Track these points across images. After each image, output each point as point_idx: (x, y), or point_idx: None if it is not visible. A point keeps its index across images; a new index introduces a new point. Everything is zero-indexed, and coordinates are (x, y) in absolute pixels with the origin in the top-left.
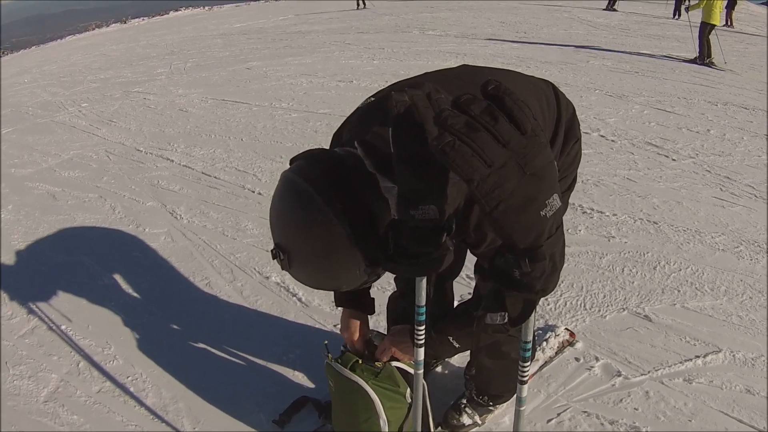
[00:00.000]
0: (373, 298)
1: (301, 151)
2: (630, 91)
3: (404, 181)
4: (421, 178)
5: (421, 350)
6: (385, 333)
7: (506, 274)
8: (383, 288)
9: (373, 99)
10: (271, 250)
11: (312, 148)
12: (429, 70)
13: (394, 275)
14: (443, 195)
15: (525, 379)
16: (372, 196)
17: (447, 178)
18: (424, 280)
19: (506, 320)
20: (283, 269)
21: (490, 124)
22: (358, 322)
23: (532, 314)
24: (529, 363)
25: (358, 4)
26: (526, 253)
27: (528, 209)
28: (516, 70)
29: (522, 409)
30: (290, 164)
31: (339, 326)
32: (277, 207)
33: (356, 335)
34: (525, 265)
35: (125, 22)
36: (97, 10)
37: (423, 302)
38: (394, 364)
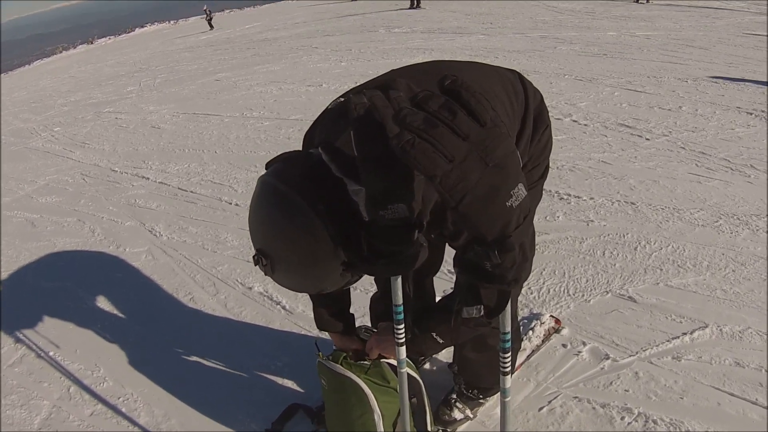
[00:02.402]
0: (353, 316)
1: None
2: (599, 73)
3: (371, 183)
4: (387, 177)
5: (403, 349)
6: (373, 329)
7: (478, 267)
8: (366, 290)
9: (342, 99)
10: (253, 257)
11: (285, 151)
12: (395, 68)
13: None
14: (411, 192)
15: (506, 370)
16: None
17: (413, 175)
18: (399, 279)
19: (482, 313)
20: (266, 275)
21: (449, 118)
22: (350, 340)
23: (508, 305)
24: (509, 354)
25: (210, 25)
26: (494, 245)
27: (493, 200)
28: (484, 61)
29: (507, 400)
30: (266, 168)
31: (325, 333)
32: (256, 212)
33: (353, 348)
34: (495, 257)
35: (92, 43)
36: (62, 33)
37: (400, 301)
38: (383, 360)
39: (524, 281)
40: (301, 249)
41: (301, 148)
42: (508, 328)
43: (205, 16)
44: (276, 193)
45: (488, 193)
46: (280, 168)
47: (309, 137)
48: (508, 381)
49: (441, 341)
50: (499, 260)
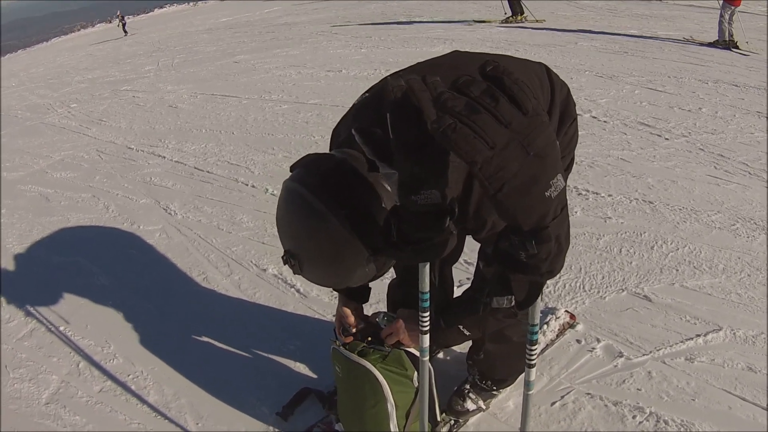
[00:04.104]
0: (369, 288)
1: (299, 151)
2: (620, 71)
3: (405, 167)
4: (422, 162)
5: (426, 337)
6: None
7: (512, 257)
8: (381, 277)
9: (367, 94)
10: (282, 257)
11: (309, 153)
12: (418, 58)
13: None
14: (445, 179)
15: (533, 362)
16: (372, 196)
17: (448, 161)
18: (428, 266)
19: (513, 303)
20: (295, 273)
21: (491, 104)
22: (349, 306)
23: (539, 297)
24: (536, 346)
25: (124, 31)
26: (531, 235)
27: (532, 190)
28: (505, 53)
29: (530, 393)
30: (291, 171)
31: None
32: (282, 215)
33: (346, 320)
34: (531, 247)
35: (110, 22)
36: (82, 11)
37: (426, 288)
38: (402, 347)
39: (558, 273)
40: (325, 252)
41: (322, 138)
42: (537, 321)
43: (117, 21)
44: (299, 199)
45: (528, 182)
46: (302, 173)
47: (335, 134)
48: (533, 374)
49: (467, 333)
50: (536, 251)
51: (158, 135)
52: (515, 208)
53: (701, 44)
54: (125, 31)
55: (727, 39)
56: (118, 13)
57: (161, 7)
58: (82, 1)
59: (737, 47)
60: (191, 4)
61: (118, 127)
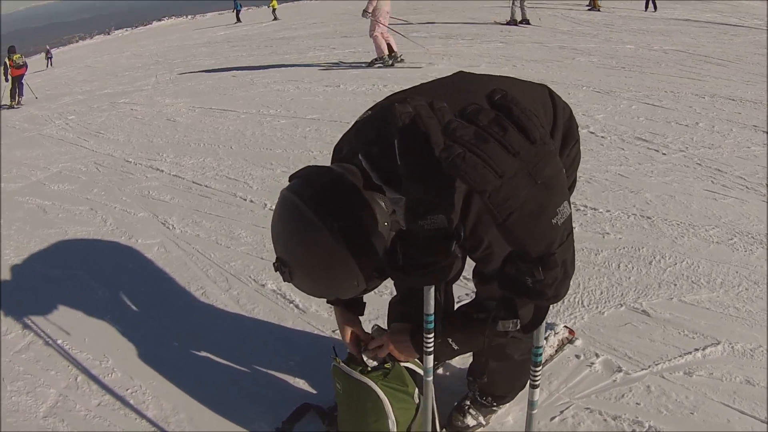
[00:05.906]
0: (365, 303)
1: (297, 166)
2: (617, 86)
3: (412, 193)
4: (430, 188)
5: (431, 358)
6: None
7: (518, 282)
8: (380, 292)
9: (369, 112)
10: (273, 264)
11: (309, 165)
12: (416, 73)
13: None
14: (451, 204)
15: (537, 382)
16: (366, 212)
17: (454, 187)
18: (432, 288)
19: (518, 327)
20: (285, 281)
21: (499, 134)
22: (350, 320)
23: (544, 320)
24: (540, 368)
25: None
26: (538, 262)
27: (540, 218)
28: (503, 69)
29: (534, 412)
30: (289, 180)
31: (337, 331)
32: (276, 224)
33: (348, 331)
34: (538, 273)
35: (109, 33)
36: (80, 22)
37: (431, 310)
38: (403, 364)
39: (563, 297)
40: (315, 262)
41: (317, 151)
42: (542, 343)
43: (44, 55)
44: (292, 208)
45: (535, 210)
46: (299, 184)
47: (337, 150)
48: (537, 393)
49: (456, 348)
50: (542, 276)
51: (156, 148)
52: (523, 235)
53: (500, 24)
54: (50, 64)
55: (518, 18)
56: (47, 47)
57: (159, 20)
58: (80, 13)
59: (528, 23)
60: (189, 17)
61: (116, 139)
